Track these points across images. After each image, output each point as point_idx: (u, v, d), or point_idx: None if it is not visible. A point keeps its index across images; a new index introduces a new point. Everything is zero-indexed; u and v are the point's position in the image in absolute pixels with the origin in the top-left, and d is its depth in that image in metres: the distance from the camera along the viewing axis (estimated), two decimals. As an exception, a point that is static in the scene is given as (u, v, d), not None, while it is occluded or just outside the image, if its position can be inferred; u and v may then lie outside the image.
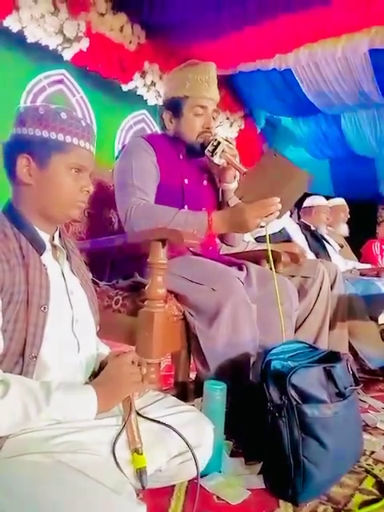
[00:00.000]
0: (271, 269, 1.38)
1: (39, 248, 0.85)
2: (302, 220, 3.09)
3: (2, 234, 0.81)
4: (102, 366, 0.94)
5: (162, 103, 1.56)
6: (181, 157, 1.51)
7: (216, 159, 1.44)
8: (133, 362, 0.90)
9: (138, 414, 0.90)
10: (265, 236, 2.35)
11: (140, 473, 0.80)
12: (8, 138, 0.88)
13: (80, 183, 0.88)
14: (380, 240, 3.80)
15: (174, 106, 1.48)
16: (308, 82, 4.01)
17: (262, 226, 1.32)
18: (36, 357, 0.79)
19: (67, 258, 0.93)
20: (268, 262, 1.65)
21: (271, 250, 1.75)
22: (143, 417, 0.89)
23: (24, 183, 0.86)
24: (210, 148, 1.43)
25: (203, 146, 1.46)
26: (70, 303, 0.89)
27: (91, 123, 0.92)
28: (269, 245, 1.37)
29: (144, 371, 0.91)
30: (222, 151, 1.42)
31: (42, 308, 0.81)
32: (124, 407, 0.87)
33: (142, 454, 0.82)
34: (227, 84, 4.43)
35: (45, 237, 0.89)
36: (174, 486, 0.99)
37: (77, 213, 0.91)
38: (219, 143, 1.42)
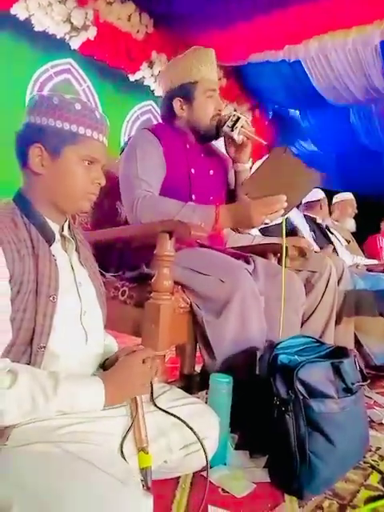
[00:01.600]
0: (282, 264, 1.38)
1: (49, 238, 0.85)
2: (306, 213, 3.06)
3: (12, 223, 0.80)
4: (111, 360, 0.93)
5: (166, 93, 1.53)
6: (187, 146, 1.50)
7: (235, 135, 1.45)
8: (144, 361, 0.89)
9: (155, 404, 0.91)
10: (269, 227, 2.34)
11: (145, 472, 0.81)
12: (21, 127, 0.86)
13: (92, 175, 0.87)
14: (383, 234, 3.77)
15: (184, 93, 1.48)
16: (317, 75, 3.96)
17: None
18: (44, 347, 0.79)
19: (76, 249, 0.92)
20: (281, 256, 1.65)
21: (276, 244, 1.75)
22: (158, 407, 0.90)
23: (36, 173, 0.85)
24: (229, 123, 1.44)
25: (219, 126, 1.46)
26: (78, 294, 0.88)
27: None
28: (284, 240, 1.37)
29: (155, 370, 0.91)
30: (241, 127, 1.43)
31: (51, 298, 0.80)
32: (132, 406, 0.87)
33: (148, 453, 0.83)
34: (236, 75, 4.40)
35: (54, 227, 0.88)
36: (179, 477, 0.99)
37: (87, 205, 0.90)
38: (238, 119, 1.43)
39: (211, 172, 1.55)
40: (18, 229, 0.81)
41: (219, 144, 1.64)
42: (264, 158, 1.40)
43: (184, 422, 0.88)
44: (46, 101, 0.84)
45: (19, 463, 0.68)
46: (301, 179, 1.27)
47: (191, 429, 0.88)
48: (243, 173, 1.56)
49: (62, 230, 0.90)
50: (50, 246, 0.85)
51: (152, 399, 0.92)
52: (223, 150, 1.63)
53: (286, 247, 1.66)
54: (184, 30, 3.53)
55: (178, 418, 0.89)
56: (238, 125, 1.42)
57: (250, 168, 1.62)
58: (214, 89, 1.48)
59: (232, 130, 1.43)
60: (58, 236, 0.88)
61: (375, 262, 3.12)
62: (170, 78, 1.52)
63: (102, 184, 0.89)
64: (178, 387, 1.13)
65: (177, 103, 1.49)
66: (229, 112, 1.48)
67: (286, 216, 1.36)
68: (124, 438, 0.83)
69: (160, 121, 1.66)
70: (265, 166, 1.32)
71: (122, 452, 0.82)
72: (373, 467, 1.14)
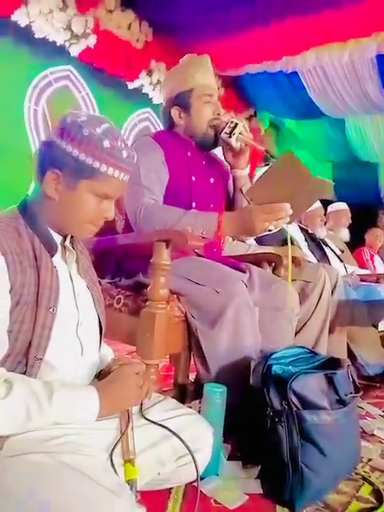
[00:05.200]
0: (288, 273, 1.37)
1: (51, 249, 0.85)
2: (297, 224, 3.08)
3: (15, 233, 0.81)
4: (105, 371, 0.93)
5: (165, 104, 1.56)
6: (189, 154, 1.51)
7: (233, 142, 1.45)
8: (137, 373, 0.89)
9: (144, 417, 0.90)
10: (265, 237, 2.35)
11: (130, 485, 0.80)
12: (47, 140, 0.86)
13: (101, 208, 0.87)
14: (368, 246, 3.82)
15: (181, 101, 1.49)
16: (314, 86, 4.02)
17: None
18: (41, 358, 0.79)
19: (75, 260, 0.93)
20: (276, 266, 1.65)
21: (272, 253, 1.76)
22: (148, 420, 0.90)
23: (48, 197, 0.85)
24: (227, 130, 1.44)
25: (217, 132, 1.47)
26: (75, 306, 0.88)
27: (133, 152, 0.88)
28: (289, 248, 1.36)
29: (148, 383, 0.91)
30: (239, 133, 1.43)
31: (51, 309, 0.81)
32: (122, 417, 0.87)
33: (134, 465, 0.82)
34: (233, 84, 4.43)
35: (57, 238, 0.88)
36: (171, 488, 0.99)
37: (88, 235, 0.91)
38: (236, 125, 1.43)
39: (212, 180, 1.56)
40: (22, 239, 0.81)
41: (219, 152, 1.65)
42: (271, 164, 1.37)
43: (176, 435, 0.88)
44: (75, 127, 0.82)
45: (13, 473, 0.68)
46: (306, 187, 1.24)
47: (183, 441, 0.87)
48: (241, 178, 1.57)
49: (64, 241, 0.91)
50: (52, 256, 0.85)
51: (141, 411, 0.91)
52: (223, 159, 1.64)
53: (281, 256, 1.68)
54: (183, 40, 3.56)
55: (170, 430, 0.89)
56: (236, 131, 1.42)
57: (249, 174, 1.63)
58: (210, 94, 1.49)
59: (230, 137, 1.43)
60: (59, 247, 0.88)
61: (368, 271, 3.14)
62: (168, 89, 1.55)
63: (109, 218, 0.89)
64: (172, 396, 1.13)
65: (175, 112, 1.51)
66: (227, 118, 1.48)
67: (282, 226, 1.35)
68: (113, 448, 0.83)
69: (158, 128, 1.68)
70: (271, 172, 1.28)
71: (112, 463, 0.81)
72: (364, 479, 1.14)
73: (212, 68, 1.53)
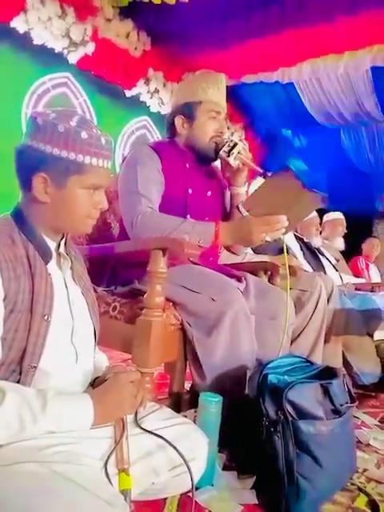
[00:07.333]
0: (287, 283, 1.37)
1: (46, 256, 0.85)
2: (293, 233, 3.09)
3: (9, 240, 0.80)
4: (100, 379, 0.93)
5: (171, 110, 1.58)
6: (187, 166, 1.51)
7: (231, 160, 1.46)
8: (132, 382, 0.88)
9: (139, 426, 0.89)
10: (261, 245, 2.36)
11: (124, 494, 0.79)
12: (22, 146, 0.84)
13: (94, 200, 0.87)
14: (364, 256, 3.85)
15: (187, 111, 1.50)
16: (309, 96, 4.07)
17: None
18: (36, 367, 0.78)
19: (70, 267, 0.92)
20: (273, 275, 1.65)
21: (268, 262, 1.76)
22: (143, 429, 0.89)
23: (39, 201, 0.84)
24: (226, 149, 1.45)
25: (217, 149, 1.48)
26: (70, 313, 0.88)
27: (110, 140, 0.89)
28: (286, 257, 1.38)
29: (143, 392, 0.90)
30: (238, 153, 1.44)
31: (45, 317, 0.80)
32: (117, 426, 0.86)
33: (129, 475, 0.81)
34: (229, 94, 4.46)
35: (51, 245, 0.88)
36: (165, 498, 0.98)
37: (89, 229, 0.91)
38: (236, 144, 1.44)
39: (209, 193, 1.56)
40: (16, 246, 0.80)
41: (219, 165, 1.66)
42: (267, 177, 1.40)
43: (170, 444, 0.87)
44: (50, 127, 0.80)
45: (5, 483, 0.67)
46: (302, 201, 1.27)
47: (178, 451, 0.86)
48: (238, 196, 1.58)
49: (58, 247, 0.90)
50: (47, 263, 0.85)
51: (136, 420, 0.90)
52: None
53: (277, 265, 1.69)
54: (181, 49, 3.60)
55: (165, 439, 0.88)
56: (235, 151, 1.44)
57: (246, 191, 1.64)
58: (217, 111, 1.49)
59: (228, 156, 1.45)
60: (53, 253, 0.88)
61: (363, 280, 3.16)
62: (177, 97, 1.56)
63: (104, 208, 0.89)
64: (167, 405, 1.12)
65: (179, 120, 1.51)
66: (227, 136, 1.49)
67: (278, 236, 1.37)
68: (108, 458, 0.82)
69: (155, 137, 1.69)
70: (267, 185, 1.32)
71: (106, 472, 0.80)
72: (360, 489, 1.14)
73: (225, 88, 1.54)
